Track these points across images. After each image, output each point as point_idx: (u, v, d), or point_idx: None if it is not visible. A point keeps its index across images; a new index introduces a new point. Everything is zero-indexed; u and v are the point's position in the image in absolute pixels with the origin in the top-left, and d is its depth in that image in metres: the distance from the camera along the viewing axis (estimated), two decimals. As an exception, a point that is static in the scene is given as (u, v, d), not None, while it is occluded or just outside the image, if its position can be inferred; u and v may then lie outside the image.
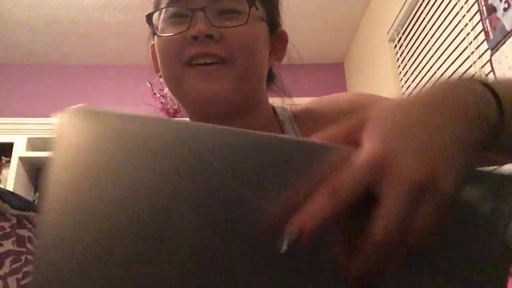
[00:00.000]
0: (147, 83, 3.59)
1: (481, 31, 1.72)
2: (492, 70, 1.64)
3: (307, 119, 0.67)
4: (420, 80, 2.33)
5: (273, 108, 0.71)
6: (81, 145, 0.29)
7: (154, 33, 0.64)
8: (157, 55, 0.64)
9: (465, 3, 1.85)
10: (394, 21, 2.58)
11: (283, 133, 0.65)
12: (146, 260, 0.28)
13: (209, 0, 0.58)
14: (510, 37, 1.52)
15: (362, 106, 0.62)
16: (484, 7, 1.68)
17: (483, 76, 1.72)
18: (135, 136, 0.29)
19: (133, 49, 3.65)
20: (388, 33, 2.70)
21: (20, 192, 2.91)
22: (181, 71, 0.59)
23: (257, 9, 0.61)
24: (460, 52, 1.93)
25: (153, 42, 0.69)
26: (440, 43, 2.10)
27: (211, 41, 0.57)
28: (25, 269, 0.99)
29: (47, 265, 0.27)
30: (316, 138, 0.33)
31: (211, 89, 0.57)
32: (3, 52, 3.62)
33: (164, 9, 0.61)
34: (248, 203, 0.29)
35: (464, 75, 1.85)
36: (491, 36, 1.64)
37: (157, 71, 0.68)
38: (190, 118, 0.67)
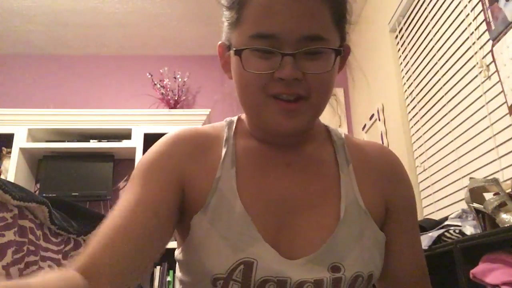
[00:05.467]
0: (147, 74, 3.58)
1: (483, 21, 1.71)
2: (494, 60, 1.63)
3: (355, 147, 0.75)
4: (421, 71, 2.33)
5: (328, 129, 0.78)
6: None
7: (235, 53, 0.64)
8: (236, 79, 0.66)
9: (467, -7, 1.84)
10: (395, 12, 2.57)
11: (334, 150, 0.74)
12: None
13: (298, 44, 0.60)
14: (511, 27, 1.52)
15: (388, 159, 0.75)
16: (486, -3, 1.67)
17: (485, 66, 1.72)
18: None
19: (133, 39, 3.63)
20: (389, 23, 2.69)
21: (21, 183, 2.92)
22: (264, 101, 0.63)
23: (340, 54, 0.65)
24: (461, 42, 1.92)
25: (220, 42, 0.71)
26: (442, 34, 2.09)
27: (295, 81, 0.61)
28: (27, 259, 0.99)
29: None
30: None
31: (291, 123, 0.64)
32: (2, 43, 3.61)
33: (248, 38, 0.62)
34: None
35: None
36: (493, 27, 1.63)
37: (226, 71, 0.71)
38: (249, 124, 0.73)
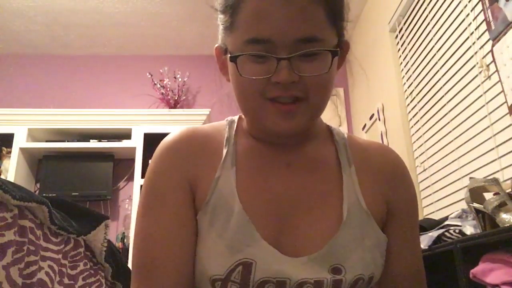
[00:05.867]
0: (147, 74, 3.58)
1: (483, 21, 1.71)
2: (494, 60, 1.63)
3: (357, 147, 0.74)
4: (421, 71, 2.33)
5: (330, 128, 0.78)
6: None
7: (230, 59, 0.64)
8: (234, 84, 0.66)
9: (467, -8, 1.84)
10: (396, 11, 2.57)
11: (336, 150, 0.73)
12: None
13: (293, 47, 0.60)
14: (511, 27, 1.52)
15: (390, 159, 0.74)
16: (486, -3, 1.67)
17: (485, 66, 1.72)
18: None
19: (133, 39, 3.63)
20: (389, 23, 2.69)
21: (21, 183, 2.92)
22: (261, 104, 0.63)
23: (337, 55, 0.64)
24: (461, 42, 1.92)
25: (217, 45, 0.71)
26: (442, 34, 2.09)
27: (292, 84, 0.61)
28: (27, 259, 0.99)
29: None
30: None
31: (289, 124, 0.63)
32: (3, 43, 3.61)
33: (243, 43, 0.62)
34: None
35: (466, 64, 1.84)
36: (493, 27, 1.63)
37: (224, 74, 0.71)
38: (249, 124, 0.73)
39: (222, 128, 0.73)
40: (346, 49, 0.71)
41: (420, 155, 2.35)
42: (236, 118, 0.76)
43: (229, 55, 0.63)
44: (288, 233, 0.64)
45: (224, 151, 0.69)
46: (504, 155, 1.61)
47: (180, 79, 3.58)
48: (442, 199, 2.09)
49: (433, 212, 2.15)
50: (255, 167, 0.69)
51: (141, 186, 3.11)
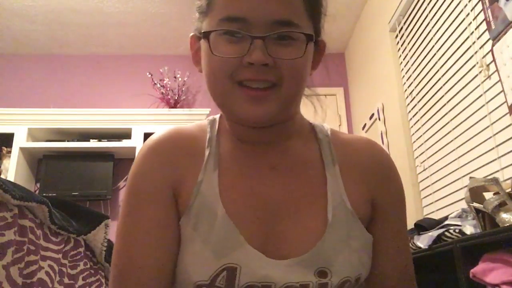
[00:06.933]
0: (147, 73, 3.58)
1: (483, 21, 1.72)
2: (494, 60, 1.63)
3: (341, 144, 0.72)
4: (421, 71, 2.33)
5: (312, 126, 0.75)
6: None
7: (202, 38, 0.63)
8: (205, 66, 0.65)
9: (467, -8, 1.84)
10: (395, 11, 2.57)
11: (320, 149, 0.70)
12: None
13: (268, 29, 0.59)
14: (512, 27, 1.52)
15: (376, 154, 0.72)
16: (486, -3, 1.67)
17: (485, 66, 1.72)
18: None
19: (133, 39, 3.63)
20: (389, 23, 2.69)
21: (21, 182, 2.92)
22: (231, 88, 0.61)
23: (312, 40, 0.62)
24: (461, 42, 1.92)
25: (192, 33, 0.69)
26: (442, 33, 2.09)
27: (265, 68, 0.59)
28: (27, 258, 0.99)
29: None
30: None
31: (258, 111, 0.61)
32: (3, 43, 3.61)
33: (217, 21, 0.61)
34: None
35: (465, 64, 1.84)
36: (493, 26, 1.63)
37: (196, 64, 0.71)
38: (227, 122, 0.71)
39: (204, 128, 0.71)
40: (322, 48, 0.70)
41: (420, 155, 2.35)
42: (217, 117, 0.74)
43: (202, 32, 0.63)
44: (273, 236, 0.63)
45: (206, 152, 0.67)
46: (504, 155, 1.61)
47: (180, 79, 3.58)
48: (442, 199, 2.09)
49: (433, 212, 2.15)
50: (238, 170, 0.67)
51: (141, 186, 3.13)
